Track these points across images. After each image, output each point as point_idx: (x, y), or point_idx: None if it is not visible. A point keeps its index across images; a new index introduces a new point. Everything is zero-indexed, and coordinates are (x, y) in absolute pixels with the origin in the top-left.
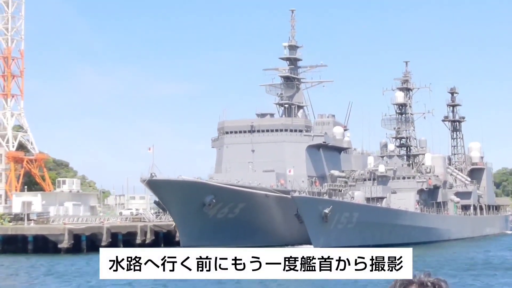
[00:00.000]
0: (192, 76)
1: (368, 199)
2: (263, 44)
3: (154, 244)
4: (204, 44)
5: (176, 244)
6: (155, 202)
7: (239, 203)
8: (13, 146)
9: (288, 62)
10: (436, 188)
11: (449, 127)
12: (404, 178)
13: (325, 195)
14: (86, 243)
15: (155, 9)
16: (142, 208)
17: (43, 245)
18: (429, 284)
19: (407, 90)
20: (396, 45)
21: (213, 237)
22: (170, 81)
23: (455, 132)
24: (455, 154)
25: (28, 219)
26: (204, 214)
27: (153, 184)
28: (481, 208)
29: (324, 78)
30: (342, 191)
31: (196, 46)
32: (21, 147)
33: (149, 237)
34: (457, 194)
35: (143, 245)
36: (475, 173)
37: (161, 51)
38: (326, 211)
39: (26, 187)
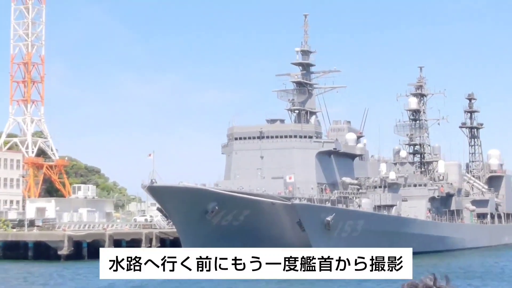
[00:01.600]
0: (226, 83)
1: (378, 207)
2: (278, 49)
3: None
4: (218, 50)
5: None
6: (158, 209)
7: (243, 210)
8: (32, 152)
9: (300, 67)
10: (449, 196)
11: (466, 134)
12: (415, 185)
13: (327, 202)
14: (87, 250)
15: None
16: (160, 214)
17: (45, 252)
18: None
19: (421, 96)
20: (411, 50)
21: (217, 245)
22: (200, 89)
23: (473, 139)
24: (473, 162)
25: (33, 225)
26: (207, 221)
27: (154, 191)
28: (499, 217)
29: (338, 83)
30: (354, 199)
31: (211, 53)
32: (43, 153)
33: (155, 244)
34: (474, 202)
35: None
36: (494, 181)
37: (188, 59)
38: (329, 219)
39: (47, 193)
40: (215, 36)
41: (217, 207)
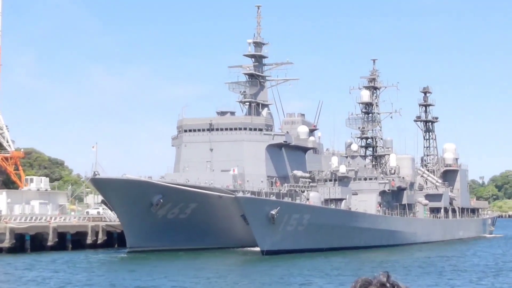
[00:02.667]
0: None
1: (327, 201)
2: (231, 40)
3: (107, 245)
4: (172, 41)
5: None
6: (102, 201)
7: (190, 204)
8: None
9: (253, 59)
10: (401, 190)
11: (421, 127)
12: (366, 179)
13: (272, 196)
14: (30, 243)
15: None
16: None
17: None
18: (388, 285)
19: (374, 89)
20: (364, 42)
21: (163, 238)
22: (161, 81)
23: (428, 133)
24: (428, 155)
25: None
26: (152, 214)
27: (97, 183)
28: (454, 211)
29: (290, 76)
30: (303, 192)
31: (166, 45)
32: None
33: (101, 238)
34: (428, 196)
35: (94, 245)
36: (449, 175)
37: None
38: (273, 212)
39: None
40: (169, 28)
41: (161, 200)
